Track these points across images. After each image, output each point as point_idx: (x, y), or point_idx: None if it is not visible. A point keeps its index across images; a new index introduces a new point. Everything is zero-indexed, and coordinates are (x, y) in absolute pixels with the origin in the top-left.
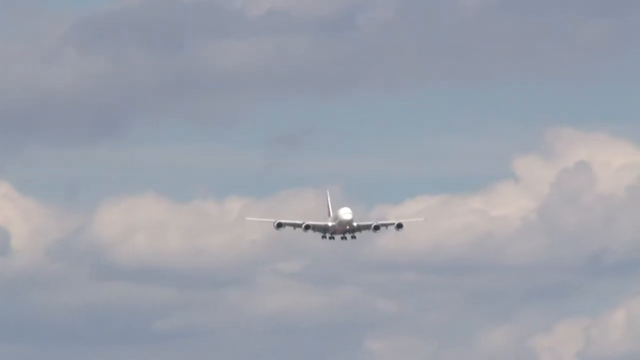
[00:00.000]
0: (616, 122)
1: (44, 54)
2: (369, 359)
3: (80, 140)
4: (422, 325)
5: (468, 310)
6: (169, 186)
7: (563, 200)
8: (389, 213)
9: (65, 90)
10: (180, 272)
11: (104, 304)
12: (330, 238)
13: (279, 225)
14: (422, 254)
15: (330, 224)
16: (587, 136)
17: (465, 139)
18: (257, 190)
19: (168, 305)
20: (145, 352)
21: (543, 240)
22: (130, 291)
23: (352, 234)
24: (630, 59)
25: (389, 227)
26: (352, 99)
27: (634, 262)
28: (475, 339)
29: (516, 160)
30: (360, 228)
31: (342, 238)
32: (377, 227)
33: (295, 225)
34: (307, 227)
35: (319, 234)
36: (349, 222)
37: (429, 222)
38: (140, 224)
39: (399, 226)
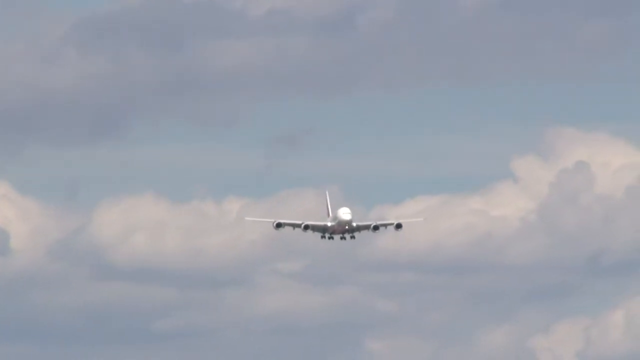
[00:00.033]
0: (616, 122)
1: (44, 54)
2: (369, 359)
3: (80, 140)
4: (421, 325)
5: (468, 311)
6: (168, 186)
7: (562, 201)
8: (388, 213)
9: (65, 90)
10: (179, 272)
11: (103, 304)
12: (329, 238)
13: (279, 225)
14: (421, 254)
15: (329, 224)
16: (587, 136)
17: (465, 139)
18: (257, 191)
19: (168, 306)
20: (145, 352)
21: (543, 241)
22: (130, 291)
23: (351, 234)
24: (630, 59)
25: (389, 227)
26: (352, 99)
27: (633, 263)
28: (475, 339)
29: (516, 160)
30: (359, 228)
31: (341, 238)
32: (376, 227)
33: (294, 226)
34: (307, 227)
35: (319, 234)
36: (349, 222)
37: (428, 222)
38: (140, 224)
39: (399, 226)
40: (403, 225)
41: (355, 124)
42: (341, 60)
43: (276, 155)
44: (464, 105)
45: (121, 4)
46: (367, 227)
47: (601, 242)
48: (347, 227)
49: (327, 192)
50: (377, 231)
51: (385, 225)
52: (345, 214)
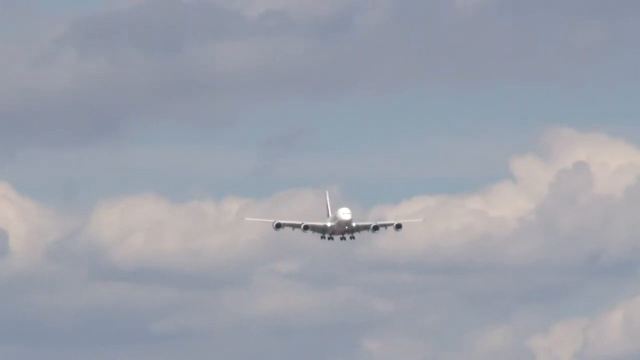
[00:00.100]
0: (614, 123)
1: (43, 55)
2: (367, 359)
3: (78, 140)
4: (420, 325)
5: (466, 311)
6: (167, 187)
7: (561, 201)
8: (388, 213)
9: (63, 91)
10: (178, 273)
11: (102, 304)
12: (329, 238)
13: (278, 225)
14: (420, 255)
15: (329, 224)
16: (586, 137)
17: (464, 139)
18: (256, 191)
19: (166, 306)
20: (144, 353)
21: (541, 241)
22: (129, 291)
23: (351, 235)
24: (629, 59)
25: (388, 227)
26: (352, 99)
27: (631, 263)
28: (473, 339)
29: (514, 161)
30: (359, 228)
31: (341, 238)
32: (376, 228)
33: (294, 226)
34: (306, 228)
35: (318, 235)
36: (348, 223)
37: (427, 222)
38: (139, 224)
39: (398, 227)
40: (403, 225)
41: (355, 125)
42: (340, 61)
43: (275, 156)
44: (463, 106)
45: (120, 4)
46: (366, 228)
47: (600, 243)
48: (346, 227)
49: (326, 193)
50: (377, 231)
51: (385, 226)
52: (345, 214)
